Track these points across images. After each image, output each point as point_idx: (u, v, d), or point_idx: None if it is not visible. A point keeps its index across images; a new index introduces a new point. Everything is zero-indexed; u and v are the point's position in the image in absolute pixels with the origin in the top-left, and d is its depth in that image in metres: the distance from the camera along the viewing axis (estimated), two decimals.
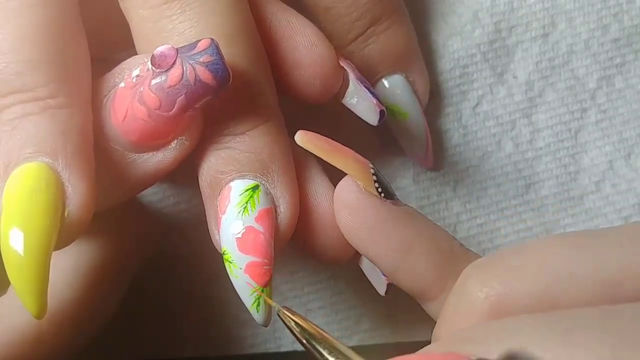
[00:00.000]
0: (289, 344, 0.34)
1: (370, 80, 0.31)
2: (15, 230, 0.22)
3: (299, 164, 0.28)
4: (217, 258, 0.34)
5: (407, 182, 0.35)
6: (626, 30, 0.35)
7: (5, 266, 0.22)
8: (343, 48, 0.31)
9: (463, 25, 0.34)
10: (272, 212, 0.26)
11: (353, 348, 0.34)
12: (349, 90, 0.29)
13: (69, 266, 0.27)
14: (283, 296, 0.34)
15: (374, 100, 0.29)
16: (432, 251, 0.25)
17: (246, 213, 0.25)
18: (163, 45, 0.24)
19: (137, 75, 0.24)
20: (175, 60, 0.24)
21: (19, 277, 0.22)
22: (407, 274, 0.26)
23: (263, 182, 0.26)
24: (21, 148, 0.23)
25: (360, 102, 0.29)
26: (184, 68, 0.23)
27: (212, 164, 0.26)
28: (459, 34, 0.34)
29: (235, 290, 0.25)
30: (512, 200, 0.35)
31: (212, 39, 0.24)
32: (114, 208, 0.27)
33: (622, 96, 0.35)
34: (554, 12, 0.35)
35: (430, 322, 0.34)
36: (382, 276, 0.27)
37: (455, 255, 0.26)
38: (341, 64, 0.29)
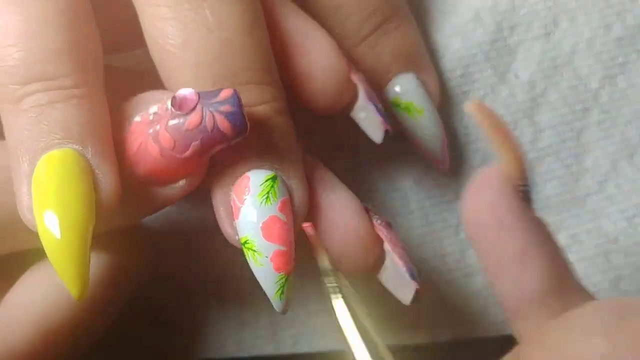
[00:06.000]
0: (288, 346, 0.34)
1: (382, 79, 0.32)
2: (52, 217, 0.23)
3: (319, 176, 0.28)
4: (216, 259, 0.34)
5: (409, 183, 0.35)
6: (629, 30, 0.35)
7: (47, 253, 0.23)
8: (354, 47, 0.31)
9: (464, 24, 0.34)
10: (289, 202, 0.26)
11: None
12: (357, 104, 0.29)
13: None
14: None
15: (380, 118, 0.29)
16: (546, 266, 0.24)
17: (269, 202, 0.25)
18: (185, 88, 0.24)
19: (155, 113, 0.25)
20: (196, 106, 0.24)
21: (60, 262, 0.23)
22: (513, 279, 0.24)
23: (279, 172, 0.26)
24: (49, 134, 0.24)
25: (367, 117, 0.29)
26: (204, 114, 0.24)
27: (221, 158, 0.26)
28: (460, 34, 0.34)
29: (257, 279, 0.25)
30: None
31: (234, 90, 0.24)
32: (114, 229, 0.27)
33: (625, 96, 0.35)
34: (556, 11, 0.34)
35: (430, 324, 0.33)
36: (412, 281, 0.27)
37: (567, 280, 0.24)
38: (352, 77, 0.29)
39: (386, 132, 0.29)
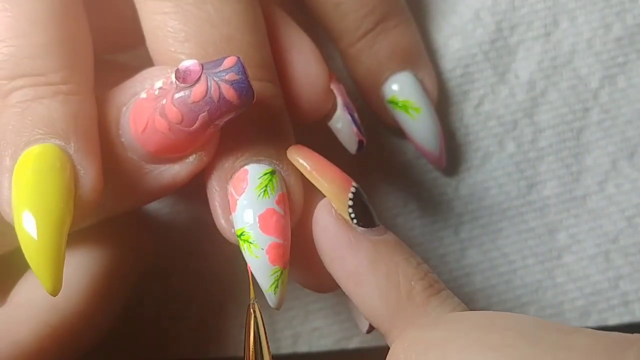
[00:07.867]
0: (288, 346, 0.34)
1: (380, 77, 0.32)
2: (28, 212, 0.22)
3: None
4: (215, 258, 0.34)
5: (409, 182, 0.35)
6: (629, 29, 0.34)
7: (22, 247, 0.23)
8: (352, 45, 0.32)
9: (464, 24, 0.34)
10: (287, 197, 0.26)
11: (353, 351, 0.34)
12: (336, 114, 0.30)
13: (70, 280, 0.27)
14: None
15: (355, 129, 0.29)
16: (385, 288, 0.25)
17: (266, 195, 0.25)
18: (188, 60, 0.24)
19: (160, 88, 0.24)
20: (200, 76, 0.24)
21: (34, 258, 0.22)
22: (357, 304, 0.25)
23: (278, 168, 0.26)
24: (33, 128, 0.24)
25: (343, 128, 0.30)
26: (209, 85, 0.23)
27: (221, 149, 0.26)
28: (460, 33, 0.34)
29: (252, 273, 0.25)
30: (514, 201, 0.35)
31: (238, 57, 0.24)
32: (115, 221, 0.27)
33: (625, 95, 0.35)
34: (556, 11, 0.34)
35: None
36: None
37: (413, 300, 0.25)
38: (332, 87, 0.29)
39: (360, 142, 0.30)
